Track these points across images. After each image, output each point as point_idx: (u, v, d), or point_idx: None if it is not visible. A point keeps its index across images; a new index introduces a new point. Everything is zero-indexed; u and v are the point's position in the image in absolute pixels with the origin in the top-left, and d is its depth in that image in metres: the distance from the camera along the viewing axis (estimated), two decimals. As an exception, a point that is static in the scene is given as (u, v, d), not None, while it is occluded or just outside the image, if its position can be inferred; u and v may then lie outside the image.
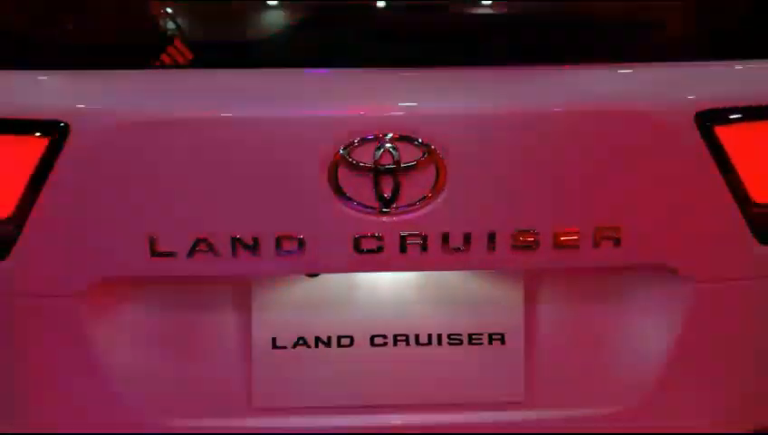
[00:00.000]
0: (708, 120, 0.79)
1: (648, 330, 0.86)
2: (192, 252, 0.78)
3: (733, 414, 0.89)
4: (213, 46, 0.90)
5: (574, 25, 0.89)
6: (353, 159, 0.75)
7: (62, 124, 0.76)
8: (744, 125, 0.80)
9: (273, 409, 0.87)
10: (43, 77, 0.84)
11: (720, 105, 0.79)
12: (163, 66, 0.85)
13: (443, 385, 0.87)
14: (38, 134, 0.77)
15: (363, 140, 0.75)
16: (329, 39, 0.87)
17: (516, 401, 0.87)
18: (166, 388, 0.86)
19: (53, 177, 0.77)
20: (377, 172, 0.76)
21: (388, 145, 0.75)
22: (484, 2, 0.94)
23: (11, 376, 0.86)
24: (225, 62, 0.84)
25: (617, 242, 0.79)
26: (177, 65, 0.85)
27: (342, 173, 0.76)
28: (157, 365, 0.86)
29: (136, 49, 0.89)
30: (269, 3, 0.93)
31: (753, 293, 0.85)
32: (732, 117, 0.80)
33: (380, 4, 0.91)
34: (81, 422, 0.86)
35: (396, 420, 0.87)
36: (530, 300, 0.86)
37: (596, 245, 0.79)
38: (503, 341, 0.86)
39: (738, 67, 0.86)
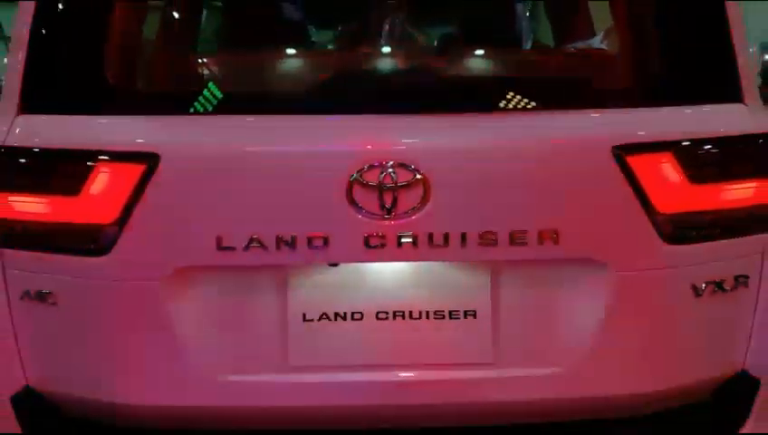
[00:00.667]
0: (622, 151, 1.08)
1: (582, 308, 1.14)
2: (247, 247, 1.07)
3: (647, 374, 1.16)
4: (264, 96, 1.21)
5: (527, 81, 1.19)
6: (364, 180, 1.05)
7: (154, 154, 1.07)
8: (648, 155, 1.10)
9: (304, 367, 1.15)
10: (141, 121, 1.15)
11: (630, 141, 1.09)
12: (224, 113, 1.16)
13: (431, 349, 1.15)
14: (137, 162, 1.07)
15: (371, 167, 1.05)
16: (346, 92, 1.18)
17: (486, 361, 1.15)
18: (223, 351, 1.14)
19: (147, 192, 1.07)
20: (380, 189, 1.05)
21: (389, 170, 1.05)
22: (446, 68, 1.24)
23: (111, 342, 1.14)
24: (271, 109, 1.15)
25: (556, 241, 1.08)
26: (234, 111, 1.16)
27: (356, 190, 1.05)
28: (217, 333, 1.14)
29: (194, 96, 1.20)
30: (308, 67, 1.25)
31: (660, 280, 1.14)
32: (639, 149, 1.09)
33: (381, 69, 1.22)
34: (161, 378, 1.14)
35: (394, 375, 1.15)
36: (495, 285, 1.14)
37: (540, 242, 1.08)
38: (475, 316, 1.14)
39: (645, 112, 1.16)
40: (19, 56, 1.18)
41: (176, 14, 1.41)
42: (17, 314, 1.17)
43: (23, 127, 1.15)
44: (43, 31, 1.18)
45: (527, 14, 1.97)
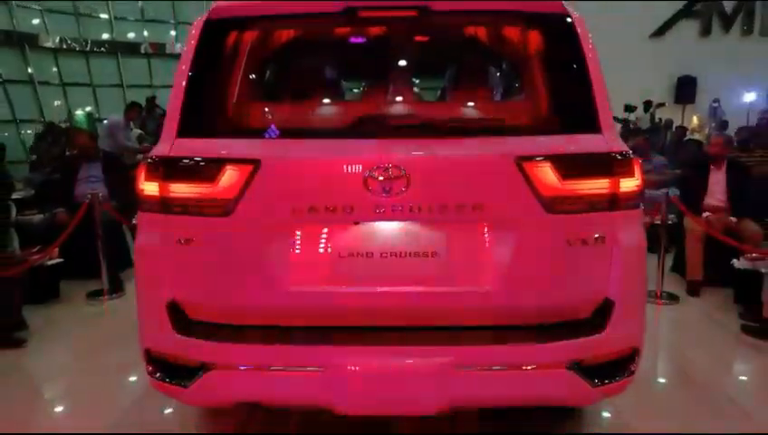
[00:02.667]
0: (521, 160, 1.90)
1: (499, 252, 1.94)
2: (308, 212, 1.91)
3: (542, 295, 1.94)
4: (314, 127, 2.08)
5: (468, 119, 2.04)
6: (373, 175, 1.88)
7: (258, 160, 1.92)
8: (535, 162, 1.91)
9: (339, 283, 1.96)
10: (248, 141, 2.01)
11: (525, 154, 1.91)
12: (293, 137, 2.03)
13: (411, 274, 1.95)
14: (248, 164, 1.93)
15: (377, 168, 1.88)
16: (363, 126, 2.03)
17: (444, 282, 1.95)
18: (294, 273, 1.97)
19: (253, 181, 1.92)
20: (383, 180, 1.88)
21: (389, 169, 1.88)
22: (422, 110, 2.11)
23: (228, 268, 1.98)
24: (319, 135, 2.01)
25: (482, 210, 1.89)
26: (298, 136, 2.02)
27: (369, 181, 1.88)
28: (290, 263, 1.97)
29: (276, 126, 2.06)
30: (341, 109, 2.13)
31: (544, 234, 1.93)
32: (530, 159, 1.90)
33: (385, 111, 2.09)
34: (256, 290, 1.97)
35: (390, 289, 1.95)
36: (448, 237, 1.95)
37: (473, 211, 1.89)
38: (437, 255, 1.95)
39: (536, 139, 1.98)
40: (176, 105, 2.06)
41: (253, 75, 2.29)
42: (172, 253, 2.02)
43: (179, 145, 2.02)
44: (190, 91, 2.06)
45: (497, 73, 2.82)
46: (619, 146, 2.00)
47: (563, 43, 2.03)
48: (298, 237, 1.98)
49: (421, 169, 1.89)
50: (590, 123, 2.00)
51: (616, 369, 2.03)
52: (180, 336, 2.01)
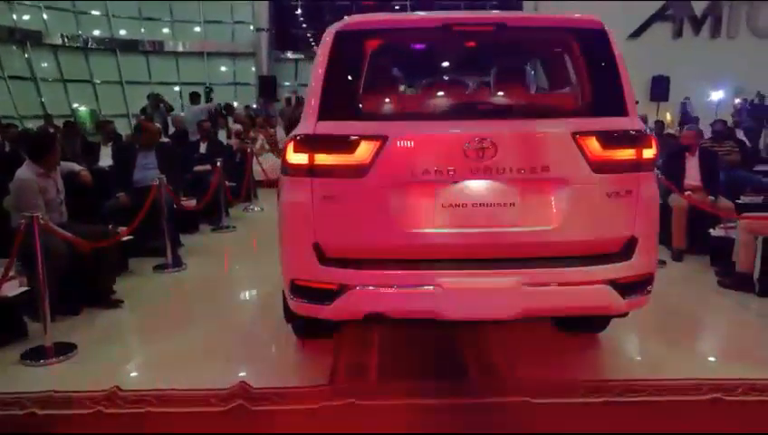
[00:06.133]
0: (575, 135, 2.66)
1: (560, 201, 2.69)
2: (422, 174, 2.64)
3: (592, 232, 2.71)
4: (425, 111, 2.83)
5: (538, 105, 2.81)
6: (470, 146, 2.62)
7: (385, 136, 2.65)
8: (586, 137, 2.67)
9: (442, 227, 2.70)
10: (378, 122, 2.75)
11: (579, 130, 2.67)
12: (411, 120, 2.77)
13: (496, 219, 2.69)
14: (378, 139, 2.65)
15: (474, 140, 2.62)
16: (462, 110, 2.78)
17: (519, 224, 2.70)
18: (409, 219, 2.69)
19: (382, 152, 2.64)
20: (477, 149, 2.63)
21: (484, 141, 2.62)
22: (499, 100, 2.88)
23: (361, 216, 2.68)
24: (430, 117, 2.76)
25: (548, 171, 2.65)
26: (415, 118, 2.77)
27: (467, 150, 2.62)
28: (407, 212, 2.69)
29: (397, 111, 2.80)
30: (445, 99, 2.88)
31: (592, 189, 2.68)
32: (583, 134, 2.66)
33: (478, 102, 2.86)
34: (381, 231, 2.69)
35: (481, 230, 2.70)
36: (521, 191, 2.70)
37: (542, 172, 2.65)
38: (514, 205, 2.70)
39: (584, 120, 2.74)
40: (315, 97, 2.77)
41: (374, 73, 2.99)
42: (316, 207, 2.72)
43: (321, 126, 2.73)
44: (327, 80, 2.76)
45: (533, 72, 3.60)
46: (642, 126, 2.78)
47: (601, 50, 2.80)
48: (413, 193, 2.70)
49: (505, 142, 2.64)
50: (620, 109, 2.78)
51: (639, 288, 2.81)
52: (324, 268, 2.72)
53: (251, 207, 8.97)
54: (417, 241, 2.70)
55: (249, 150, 9.29)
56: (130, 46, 18.52)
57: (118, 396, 3.02)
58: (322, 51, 2.82)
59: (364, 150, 2.66)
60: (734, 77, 14.88)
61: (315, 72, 2.82)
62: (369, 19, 2.85)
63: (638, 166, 2.75)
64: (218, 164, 7.23)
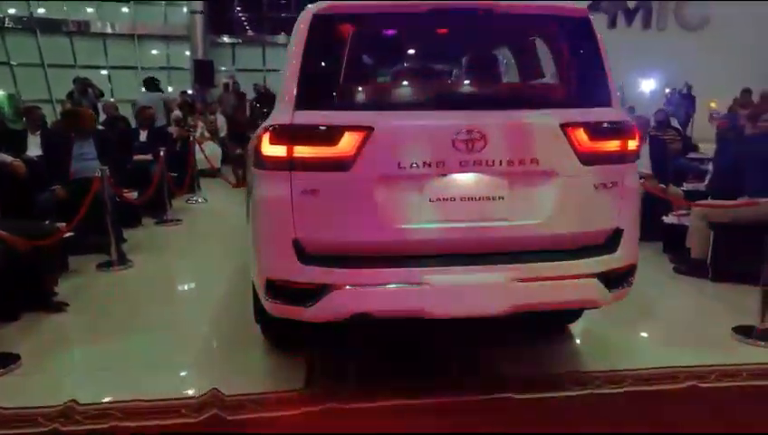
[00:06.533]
0: (563, 126, 2.60)
1: (548, 194, 2.64)
2: (409, 167, 2.51)
3: (579, 224, 2.67)
4: (413, 101, 2.69)
5: (533, 95, 2.73)
6: (459, 137, 2.52)
7: (371, 127, 2.50)
8: (573, 127, 2.62)
9: (430, 221, 2.59)
10: (362, 112, 2.59)
11: (566, 121, 2.61)
12: (399, 109, 2.62)
13: (483, 213, 2.61)
14: (363, 130, 2.50)
15: (463, 132, 2.52)
16: (452, 100, 2.67)
17: (508, 218, 2.63)
18: (397, 214, 2.56)
19: (367, 143, 2.49)
20: (466, 140, 2.52)
21: (474, 132, 2.52)
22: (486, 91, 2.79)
23: (345, 211, 2.53)
24: (418, 107, 2.63)
25: (537, 164, 2.58)
26: (402, 108, 2.62)
27: (455, 141, 2.52)
28: (394, 206, 2.56)
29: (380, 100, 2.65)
30: (431, 89, 2.75)
31: (580, 180, 2.65)
32: (570, 125, 2.61)
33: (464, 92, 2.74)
34: (367, 226, 2.54)
35: (468, 224, 2.60)
36: (510, 184, 2.62)
37: (531, 164, 2.58)
38: (503, 198, 2.62)
39: (571, 111, 2.69)
40: (292, 84, 2.58)
41: (354, 60, 2.83)
42: (296, 201, 2.54)
43: (299, 116, 2.55)
44: (304, 67, 2.58)
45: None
46: (625, 116, 2.76)
47: (587, 39, 2.75)
48: (400, 187, 2.57)
49: (495, 133, 2.55)
50: (606, 99, 2.74)
51: (623, 279, 2.81)
52: (305, 266, 2.56)
53: (194, 198, 8.59)
54: (405, 237, 2.58)
55: (192, 139, 8.87)
56: (52, 26, 17.32)
57: (76, 411, 2.75)
58: (299, 34, 2.63)
59: (348, 142, 2.50)
60: (664, 68, 15.54)
61: (291, 57, 2.63)
62: (350, 3, 2.67)
63: (623, 157, 2.73)
64: (162, 153, 6.84)
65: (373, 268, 2.56)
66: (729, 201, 4.64)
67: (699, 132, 12.21)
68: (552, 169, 2.63)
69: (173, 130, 9.45)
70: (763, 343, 3.48)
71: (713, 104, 14.85)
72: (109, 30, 18.51)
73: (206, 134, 10.93)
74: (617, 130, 2.71)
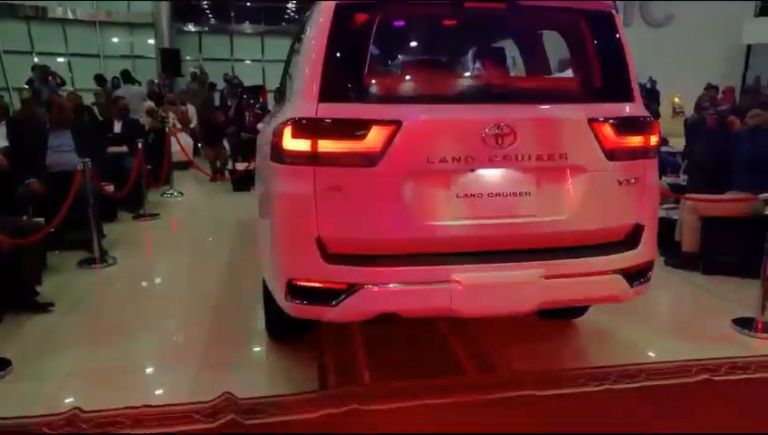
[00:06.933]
0: (591, 120, 2.57)
1: (575, 189, 2.60)
2: (438, 162, 2.44)
3: (603, 220, 2.65)
4: (441, 95, 2.61)
5: (560, 90, 2.69)
6: (488, 132, 2.46)
7: (400, 121, 2.41)
8: (600, 123, 2.59)
9: (457, 218, 2.52)
10: (392, 106, 2.49)
11: (593, 116, 2.58)
12: (427, 103, 2.54)
13: (511, 209, 2.55)
14: (392, 124, 2.41)
15: (493, 126, 2.46)
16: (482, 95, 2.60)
17: (535, 214, 2.58)
18: (424, 211, 2.49)
19: (396, 138, 2.41)
20: (496, 135, 2.47)
21: (504, 127, 2.46)
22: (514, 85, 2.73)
23: (373, 208, 2.45)
24: (446, 101, 2.54)
25: (566, 159, 2.55)
26: (431, 102, 2.54)
27: (485, 136, 2.45)
28: (421, 202, 2.48)
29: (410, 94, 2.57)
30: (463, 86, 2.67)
31: (605, 176, 2.62)
32: (597, 120, 2.58)
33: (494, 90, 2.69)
34: (394, 224, 2.46)
35: (496, 221, 2.54)
36: (538, 180, 2.58)
37: (559, 159, 2.54)
38: (530, 194, 2.58)
39: (597, 106, 2.66)
40: (314, 75, 2.47)
41: (377, 49, 2.73)
42: (320, 198, 2.44)
43: (324, 108, 2.44)
44: (327, 57, 2.46)
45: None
46: (648, 112, 2.74)
47: (612, 33, 2.73)
48: (428, 183, 2.49)
49: (524, 128, 2.49)
50: (628, 95, 2.72)
51: (643, 275, 2.80)
52: (330, 265, 2.46)
53: (170, 191, 8.32)
54: (432, 234, 2.51)
55: (167, 130, 8.58)
56: (6, 11, 16.50)
57: (81, 419, 2.60)
58: (321, 25, 2.51)
59: (376, 136, 2.41)
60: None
61: (310, 48, 2.51)
62: None
63: (645, 153, 2.72)
64: (140, 145, 6.58)
65: (400, 266, 2.48)
66: (722, 196, 4.73)
67: (663, 126, 12.47)
68: (580, 164, 2.59)
69: (145, 121, 9.12)
70: (765, 335, 3.55)
71: (676, 99, 15.28)
72: (69, 15, 17.76)
73: (178, 125, 10.60)
74: (641, 126, 2.69)
